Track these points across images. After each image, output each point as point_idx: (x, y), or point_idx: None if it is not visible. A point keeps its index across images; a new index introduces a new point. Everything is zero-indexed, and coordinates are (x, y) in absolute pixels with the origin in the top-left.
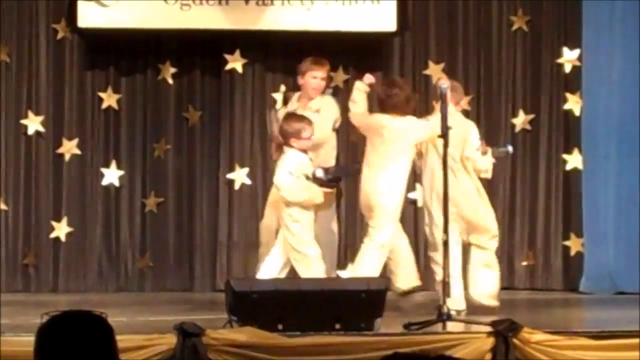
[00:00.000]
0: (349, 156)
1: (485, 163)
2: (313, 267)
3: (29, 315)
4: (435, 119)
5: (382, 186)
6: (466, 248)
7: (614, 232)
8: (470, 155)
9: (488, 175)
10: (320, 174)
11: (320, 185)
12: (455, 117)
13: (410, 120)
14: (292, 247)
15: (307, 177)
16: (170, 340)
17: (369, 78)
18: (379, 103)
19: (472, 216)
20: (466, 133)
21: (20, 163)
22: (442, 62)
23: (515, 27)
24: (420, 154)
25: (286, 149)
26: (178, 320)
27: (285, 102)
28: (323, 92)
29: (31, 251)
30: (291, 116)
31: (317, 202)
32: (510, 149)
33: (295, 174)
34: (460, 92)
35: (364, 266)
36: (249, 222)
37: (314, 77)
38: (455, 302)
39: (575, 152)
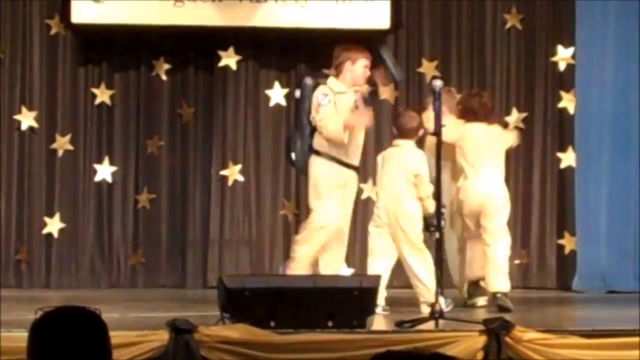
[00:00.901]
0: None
1: None
2: (430, 263)
3: (21, 311)
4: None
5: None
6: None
7: (606, 231)
8: None
9: None
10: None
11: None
12: None
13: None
14: (412, 241)
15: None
16: (162, 337)
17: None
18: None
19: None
20: None
21: (13, 158)
22: (436, 59)
23: (508, 25)
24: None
25: (411, 142)
26: (170, 317)
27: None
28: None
29: (24, 247)
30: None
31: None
32: None
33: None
34: None
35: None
36: (242, 218)
37: (366, 65)
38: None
39: (570, 150)
